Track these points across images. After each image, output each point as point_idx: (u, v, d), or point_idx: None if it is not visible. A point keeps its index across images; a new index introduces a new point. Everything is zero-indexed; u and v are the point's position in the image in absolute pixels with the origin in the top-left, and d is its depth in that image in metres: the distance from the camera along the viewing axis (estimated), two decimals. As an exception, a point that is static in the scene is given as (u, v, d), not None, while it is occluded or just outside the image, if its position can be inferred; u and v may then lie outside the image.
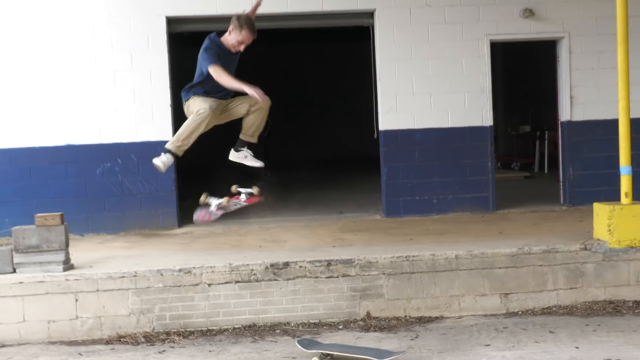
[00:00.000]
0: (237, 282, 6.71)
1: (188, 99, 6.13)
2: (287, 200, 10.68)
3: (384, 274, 6.78)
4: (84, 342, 6.48)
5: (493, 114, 9.87)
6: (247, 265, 6.75)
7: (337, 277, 6.76)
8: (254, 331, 6.52)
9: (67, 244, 6.89)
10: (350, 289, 6.76)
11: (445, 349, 5.80)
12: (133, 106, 9.44)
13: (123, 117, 9.44)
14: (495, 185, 9.85)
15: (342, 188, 12.98)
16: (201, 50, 5.93)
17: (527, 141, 15.83)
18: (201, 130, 6.00)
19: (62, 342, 6.50)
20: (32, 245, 6.80)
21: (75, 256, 7.21)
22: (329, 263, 6.78)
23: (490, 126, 9.74)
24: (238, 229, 9.15)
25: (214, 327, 6.62)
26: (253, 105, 6.06)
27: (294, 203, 10.74)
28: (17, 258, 6.78)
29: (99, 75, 9.38)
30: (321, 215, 10.02)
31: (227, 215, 10.18)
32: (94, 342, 6.48)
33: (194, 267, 6.73)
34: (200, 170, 11.91)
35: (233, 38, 5.94)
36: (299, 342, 5.80)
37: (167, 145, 6.16)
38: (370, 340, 6.12)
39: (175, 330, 6.58)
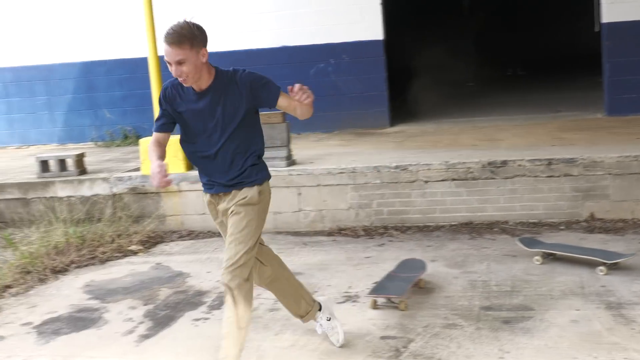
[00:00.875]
0: (453, 179, 6.70)
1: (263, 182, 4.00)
2: (499, 99, 10.37)
3: (610, 174, 6.46)
4: (307, 233, 6.85)
5: None
6: (464, 163, 6.70)
7: (559, 176, 6.53)
8: (471, 229, 6.53)
9: (289, 141, 7.22)
10: (572, 189, 6.52)
11: (681, 253, 5.47)
12: (343, 5, 9.51)
13: (334, 17, 9.55)
14: None
15: (559, 87, 12.36)
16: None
17: None
18: None
19: (288, 232, 6.92)
20: (258, 141, 7.19)
21: (295, 152, 7.55)
22: (549, 162, 6.56)
23: None
24: (450, 128, 9.08)
25: (431, 224, 6.71)
26: None
27: (509, 102, 10.42)
28: (245, 153, 7.21)
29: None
30: (536, 114, 9.62)
31: (438, 114, 10.21)
32: (316, 233, 6.83)
33: (410, 164, 6.79)
34: (407, 73, 11.86)
35: None
36: (520, 240, 5.72)
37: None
38: (595, 241, 5.89)
39: (393, 225, 6.75)
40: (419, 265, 5.29)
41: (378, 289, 4.96)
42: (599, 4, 9.05)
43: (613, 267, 5.15)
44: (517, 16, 16.78)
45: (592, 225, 6.37)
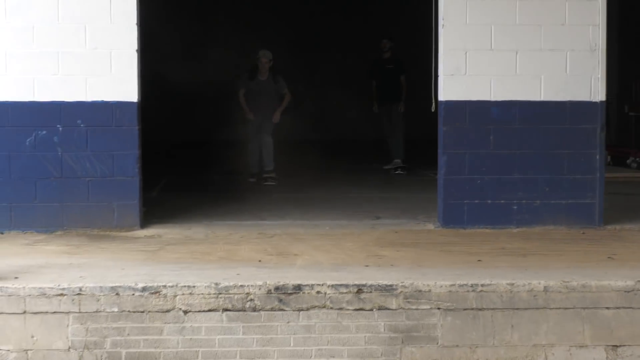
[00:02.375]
0: (225, 310, 6.71)
1: None
2: (302, 192, 10.69)
3: (438, 308, 6.77)
4: (2, 386, 6.59)
5: (607, 84, 9.84)
6: (242, 286, 6.75)
7: (371, 310, 6.75)
8: (247, 383, 6.58)
9: (-18, 245, 6.99)
10: (388, 328, 6.74)
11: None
12: (84, 50, 9.50)
13: (68, 66, 9.50)
14: (603, 188, 9.85)
15: (379, 183, 13.00)
16: None
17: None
18: None
19: (-27, 387, 6.61)
20: None
21: (-7, 262, 7.31)
22: (359, 289, 6.77)
23: (601, 102, 9.71)
24: (227, 235, 9.20)
25: (190, 374, 6.68)
26: None
27: (314, 198, 10.77)
28: None
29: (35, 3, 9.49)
30: (350, 220, 10.03)
31: (212, 216, 10.33)
32: (16, 386, 6.58)
33: (164, 286, 6.73)
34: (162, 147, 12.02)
35: None
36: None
37: None
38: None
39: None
40: None
41: None
42: (436, 76, 9.76)
43: None
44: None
45: (415, 380, 6.64)
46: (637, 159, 14.90)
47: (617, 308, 6.83)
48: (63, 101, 9.52)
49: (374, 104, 16.65)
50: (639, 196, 11.92)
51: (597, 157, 9.74)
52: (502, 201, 9.70)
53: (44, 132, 9.53)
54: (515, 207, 9.71)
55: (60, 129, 9.54)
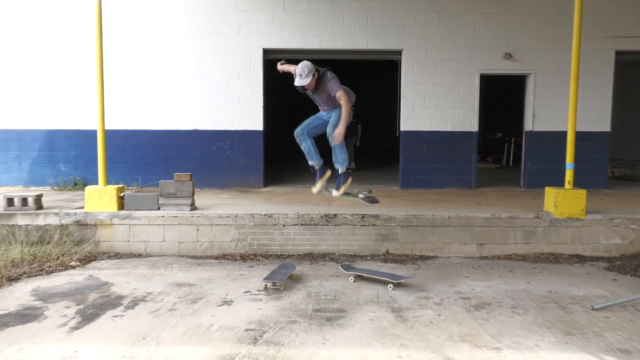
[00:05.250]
0: (301, 224, 6.77)
1: None
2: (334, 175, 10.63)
3: (399, 225, 6.77)
4: (201, 257, 6.65)
5: (478, 123, 9.68)
6: (309, 214, 6.80)
7: (368, 225, 6.77)
8: (311, 257, 6.58)
9: (193, 193, 7.06)
10: (376, 234, 6.77)
11: (439, 277, 5.79)
12: (238, 106, 9.55)
13: (231, 113, 9.56)
14: (476, 172, 9.69)
15: (372, 169, 12.92)
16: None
17: (499, 143, 15.50)
18: None
19: (187, 256, 6.69)
20: (171, 192, 6.98)
21: (197, 202, 7.38)
22: (363, 216, 6.80)
23: (476, 131, 9.54)
24: (302, 191, 9.19)
25: (285, 253, 6.69)
26: None
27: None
28: (161, 200, 6.98)
29: (217, 86, 9.51)
30: (358, 185, 9.92)
31: (297, 182, 10.34)
32: (207, 257, 6.64)
33: (274, 213, 6.80)
34: (277, 152, 11.96)
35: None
36: (341, 265, 5.85)
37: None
38: (388, 268, 6.13)
39: (260, 253, 6.68)
40: (291, 266, 5.72)
41: (268, 277, 5.30)
42: (399, 118, 9.68)
43: (398, 285, 5.36)
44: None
45: (387, 257, 6.57)
46: (492, 158, 14.65)
47: (482, 227, 6.76)
48: (229, 130, 9.57)
49: None
50: (492, 176, 11.69)
51: (473, 156, 9.57)
52: (429, 176, 9.59)
53: (220, 144, 9.60)
54: (435, 180, 9.59)
55: (228, 142, 9.60)
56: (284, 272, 5.51)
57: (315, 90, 5.17)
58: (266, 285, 5.19)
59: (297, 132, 5.41)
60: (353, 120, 12.40)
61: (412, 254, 6.71)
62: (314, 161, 5.54)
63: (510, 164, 14.17)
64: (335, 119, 5.20)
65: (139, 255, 6.66)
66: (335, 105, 5.21)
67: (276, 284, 5.18)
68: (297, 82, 5.04)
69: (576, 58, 6.83)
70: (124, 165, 9.52)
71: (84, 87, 9.35)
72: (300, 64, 5.08)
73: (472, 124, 9.53)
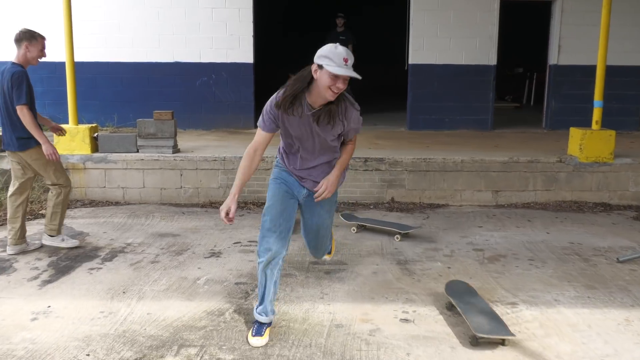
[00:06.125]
0: (297, 169, 6.71)
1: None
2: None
3: (406, 170, 6.72)
4: (185, 205, 6.64)
5: (497, 56, 9.45)
6: (306, 157, 6.72)
7: (371, 170, 6.72)
8: (308, 205, 6.57)
9: (175, 134, 6.95)
10: (380, 180, 6.73)
11: (449, 227, 5.80)
12: (225, 35, 9.28)
13: (218, 44, 9.30)
14: (493, 111, 9.56)
15: (376, 108, 12.76)
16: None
17: (519, 80, 15.25)
18: None
19: (170, 204, 6.67)
20: (150, 133, 6.88)
21: (180, 143, 7.29)
22: (365, 160, 6.73)
23: (494, 65, 9.34)
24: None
25: (279, 201, 6.68)
26: None
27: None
28: (140, 142, 6.88)
29: (201, 12, 9.20)
30: (364, 126, 9.84)
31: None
32: (192, 205, 6.63)
33: (267, 156, 6.69)
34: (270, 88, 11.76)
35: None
36: (341, 214, 5.84)
37: None
38: (394, 217, 6.13)
39: (251, 201, 6.67)
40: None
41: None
42: (407, 50, 9.44)
43: (404, 236, 5.37)
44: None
45: (392, 206, 6.57)
46: (510, 97, 14.47)
47: (498, 172, 6.72)
48: (214, 62, 9.35)
49: None
50: (510, 116, 11.58)
51: (490, 94, 9.42)
52: (440, 116, 9.47)
53: (205, 78, 9.41)
54: (447, 120, 9.48)
55: (214, 76, 9.41)
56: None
57: (320, 116, 3.16)
58: None
59: (262, 250, 3.43)
60: (342, 39, 11.37)
61: (420, 202, 6.69)
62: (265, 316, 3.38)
63: (532, 103, 14.02)
64: (330, 211, 3.60)
65: (117, 203, 6.63)
66: (331, 156, 3.41)
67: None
68: (340, 71, 2.95)
69: (613, -21, 6.57)
70: (97, 102, 9.35)
71: (49, 13, 9.02)
72: (338, 45, 3.04)
73: (489, 57, 9.32)
